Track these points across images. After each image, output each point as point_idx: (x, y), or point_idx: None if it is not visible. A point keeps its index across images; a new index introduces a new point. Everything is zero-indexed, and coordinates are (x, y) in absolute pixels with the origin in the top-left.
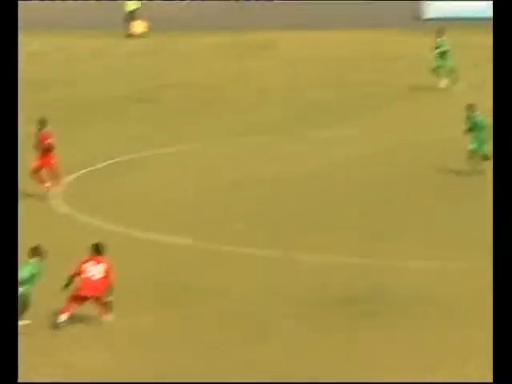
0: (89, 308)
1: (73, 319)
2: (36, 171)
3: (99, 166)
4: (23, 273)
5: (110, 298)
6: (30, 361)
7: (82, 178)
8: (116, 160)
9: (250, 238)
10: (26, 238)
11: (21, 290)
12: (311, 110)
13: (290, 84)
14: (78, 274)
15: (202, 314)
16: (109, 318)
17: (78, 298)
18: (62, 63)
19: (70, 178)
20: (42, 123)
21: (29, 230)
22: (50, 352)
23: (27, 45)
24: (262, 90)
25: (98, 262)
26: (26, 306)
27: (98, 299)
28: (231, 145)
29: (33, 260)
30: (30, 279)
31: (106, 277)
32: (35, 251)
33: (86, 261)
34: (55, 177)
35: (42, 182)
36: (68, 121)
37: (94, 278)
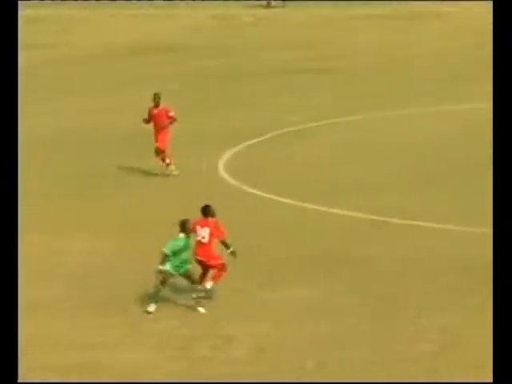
0: (241, 281)
1: (226, 292)
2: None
3: (268, 135)
4: (165, 249)
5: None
6: (190, 334)
7: (250, 149)
8: (285, 130)
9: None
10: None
11: (160, 267)
12: None
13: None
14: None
15: (354, 284)
16: (209, 284)
17: (198, 263)
18: (220, 32)
19: (238, 148)
20: (158, 98)
21: (199, 201)
22: (211, 324)
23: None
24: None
25: (203, 226)
26: (163, 283)
27: (209, 265)
28: (385, 118)
29: (181, 235)
30: (173, 255)
31: (210, 242)
32: (181, 226)
33: (197, 222)
34: (161, 152)
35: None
36: (235, 90)
37: (204, 240)
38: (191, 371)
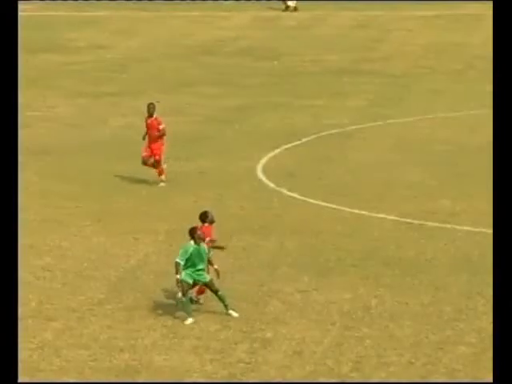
0: (279, 284)
1: (264, 295)
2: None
3: (308, 138)
4: (177, 258)
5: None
6: (228, 338)
7: (290, 151)
8: (326, 132)
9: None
10: (234, 213)
11: (177, 276)
12: None
13: None
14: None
15: (394, 287)
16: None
17: None
18: (263, 34)
19: (278, 150)
20: (152, 109)
21: (236, 203)
22: (248, 327)
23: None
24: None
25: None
26: (184, 294)
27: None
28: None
29: (191, 242)
30: (188, 264)
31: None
32: (190, 233)
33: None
34: (157, 165)
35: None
36: (278, 91)
37: None
38: (229, 375)
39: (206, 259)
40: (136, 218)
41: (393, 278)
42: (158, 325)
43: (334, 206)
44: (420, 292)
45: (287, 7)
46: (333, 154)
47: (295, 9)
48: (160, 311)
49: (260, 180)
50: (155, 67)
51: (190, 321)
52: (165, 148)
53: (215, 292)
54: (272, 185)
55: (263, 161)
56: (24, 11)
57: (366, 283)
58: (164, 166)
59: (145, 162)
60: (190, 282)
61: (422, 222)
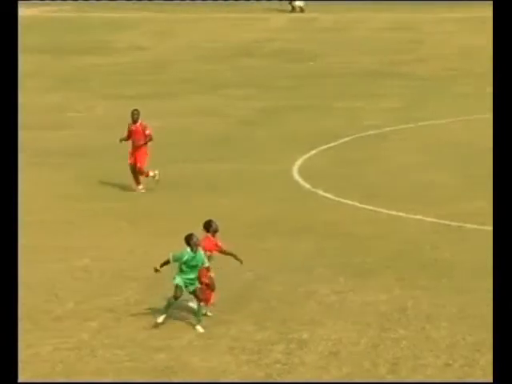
0: (315, 285)
1: (300, 296)
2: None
3: (345, 139)
4: (170, 255)
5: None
6: (264, 338)
7: (326, 152)
8: (362, 134)
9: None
10: (269, 214)
11: (173, 281)
12: None
13: None
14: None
15: (430, 289)
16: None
17: None
18: (298, 36)
19: (314, 151)
20: (136, 115)
21: (271, 204)
22: (284, 328)
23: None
24: None
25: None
26: (175, 297)
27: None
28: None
29: (187, 249)
30: (181, 269)
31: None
32: (185, 240)
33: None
34: (141, 172)
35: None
36: (315, 92)
37: None
38: (266, 376)
39: (199, 268)
40: (171, 219)
41: (429, 280)
42: (192, 325)
43: (370, 208)
44: (456, 294)
45: (293, 8)
46: (368, 156)
47: (302, 10)
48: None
49: (295, 181)
50: (191, 69)
51: (161, 319)
52: (149, 155)
53: (199, 301)
54: (307, 186)
55: (298, 162)
56: (59, 12)
57: (403, 285)
58: (156, 172)
59: (133, 169)
60: (183, 289)
61: (460, 224)
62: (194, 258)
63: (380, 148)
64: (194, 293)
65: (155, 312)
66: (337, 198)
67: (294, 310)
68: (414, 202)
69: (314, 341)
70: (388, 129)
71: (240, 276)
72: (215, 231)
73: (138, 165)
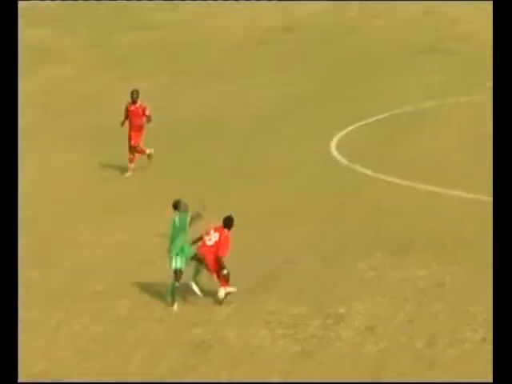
0: (352, 261)
1: (337, 272)
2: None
3: (384, 115)
4: (176, 265)
5: (224, 272)
6: (301, 313)
7: (365, 128)
8: (402, 110)
9: None
10: (307, 191)
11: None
12: None
13: None
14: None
15: (470, 265)
16: (228, 289)
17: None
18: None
19: (353, 128)
20: (135, 95)
21: (309, 181)
22: (321, 303)
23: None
24: None
25: (216, 231)
26: (177, 280)
27: (208, 267)
28: None
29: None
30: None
31: (217, 247)
32: (174, 206)
33: (214, 227)
34: (137, 150)
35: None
36: (356, 70)
37: (209, 242)
38: (302, 351)
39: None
40: (217, 198)
41: (467, 256)
42: (231, 300)
43: (408, 184)
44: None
45: None
46: (406, 132)
47: None
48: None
49: (333, 157)
50: (234, 50)
51: (175, 306)
52: (145, 135)
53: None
54: (346, 162)
55: (336, 138)
56: None
57: (440, 260)
58: (151, 150)
59: (138, 151)
60: (184, 267)
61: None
62: (181, 218)
63: (419, 124)
64: (195, 258)
65: (185, 291)
66: (375, 174)
67: (331, 286)
68: (453, 179)
69: (351, 316)
70: (427, 105)
71: (277, 251)
72: (230, 228)
73: (133, 142)
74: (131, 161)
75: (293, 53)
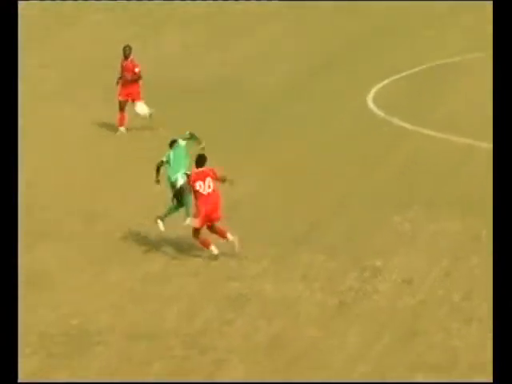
0: (389, 215)
1: (374, 225)
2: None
3: (421, 67)
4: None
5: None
6: (337, 266)
7: (401, 82)
8: (438, 63)
9: None
10: (344, 144)
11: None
12: None
13: None
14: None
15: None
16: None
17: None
18: None
19: (389, 81)
20: (128, 51)
21: (347, 134)
22: (358, 257)
23: None
24: None
25: (204, 178)
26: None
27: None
28: None
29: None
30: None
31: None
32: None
33: (196, 177)
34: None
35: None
36: (389, 23)
37: (210, 190)
38: (340, 303)
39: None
40: (244, 154)
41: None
42: (267, 254)
43: (446, 137)
44: None
45: None
46: (443, 85)
47: None
48: (268, 241)
49: (370, 110)
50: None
51: (161, 225)
52: (142, 92)
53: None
54: (383, 115)
55: (373, 92)
56: None
57: (477, 214)
58: (153, 110)
59: (122, 106)
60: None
61: None
62: (178, 148)
63: (455, 77)
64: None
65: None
66: (412, 127)
67: (368, 239)
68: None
69: (388, 269)
70: (464, 58)
71: (314, 206)
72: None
73: (120, 97)
74: (122, 124)
75: (325, 8)
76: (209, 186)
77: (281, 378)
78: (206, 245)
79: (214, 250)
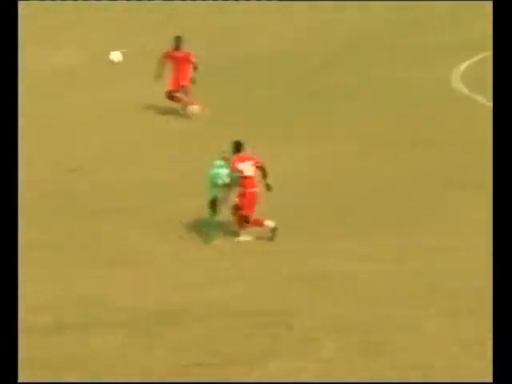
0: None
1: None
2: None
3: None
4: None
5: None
6: (401, 246)
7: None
8: None
9: None
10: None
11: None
12: None
13: None
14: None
15: None
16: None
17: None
18: None
19: (475, 59)
20: (180, 40)
21: (429, 110)
22: (419, 237)
23: None
24: None
25: (246, 160)
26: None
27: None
28: None
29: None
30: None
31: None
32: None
33: (238, 159)
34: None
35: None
36: None
37: (251, 173)
38: (403, 282)
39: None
40: (281, 132)
41: None
42: (345, 232)
43: None
44: None
45: None
46: None
47: None
48: (341, 220)
49: (454, 88)
50: None
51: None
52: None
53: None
54: (467, 92)
55: (459, 68)
56: None
57: None
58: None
59: (172, 97)
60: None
61: None
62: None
63: None
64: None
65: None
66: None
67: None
68: None
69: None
70: None
71: (386, 178)
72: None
73: (183, 83)
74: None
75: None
76: (249, 170)
77: (371, 360)
78: (259, 224)
79: (270, 223)
